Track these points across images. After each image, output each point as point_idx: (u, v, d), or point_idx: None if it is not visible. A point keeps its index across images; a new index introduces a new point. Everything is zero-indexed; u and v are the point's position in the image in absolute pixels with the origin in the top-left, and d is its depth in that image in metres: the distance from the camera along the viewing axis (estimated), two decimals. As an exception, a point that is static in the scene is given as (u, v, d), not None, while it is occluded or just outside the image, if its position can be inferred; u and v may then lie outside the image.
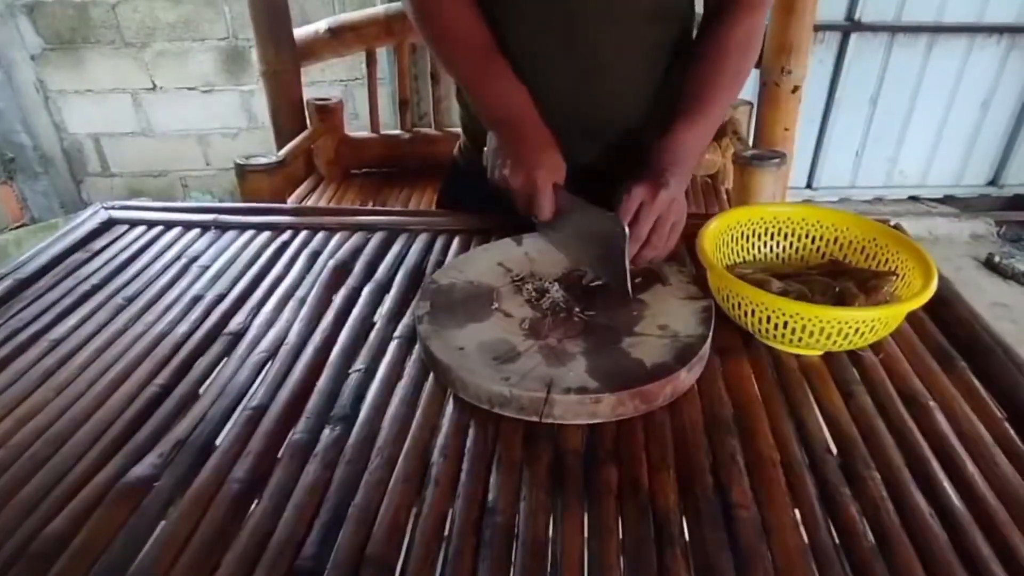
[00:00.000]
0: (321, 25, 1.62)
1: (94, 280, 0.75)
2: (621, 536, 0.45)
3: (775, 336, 0.61)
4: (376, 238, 0.84)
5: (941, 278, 0.72)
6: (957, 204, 3.07)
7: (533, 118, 0.77)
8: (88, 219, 0.89)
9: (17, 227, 2.61)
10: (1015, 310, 2.39)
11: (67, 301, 0.71)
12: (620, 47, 0.80)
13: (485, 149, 0.82)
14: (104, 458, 0.51)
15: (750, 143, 1.58)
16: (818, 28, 2.58)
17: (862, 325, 0.57)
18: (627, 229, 0.64)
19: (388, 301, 0.71)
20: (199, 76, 2.59)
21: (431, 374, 0.60)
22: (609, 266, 0.68)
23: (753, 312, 0.61)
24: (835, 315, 0.57)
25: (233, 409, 0.56)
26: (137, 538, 0.45)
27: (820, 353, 0.63)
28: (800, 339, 0.59)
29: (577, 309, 0.65)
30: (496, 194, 0.77)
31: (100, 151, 2.74)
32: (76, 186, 2.81)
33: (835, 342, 0.59)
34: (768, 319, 0.60)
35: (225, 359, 0.63)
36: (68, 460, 0.51)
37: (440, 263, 0.78)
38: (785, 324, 0.59)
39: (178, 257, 0.80)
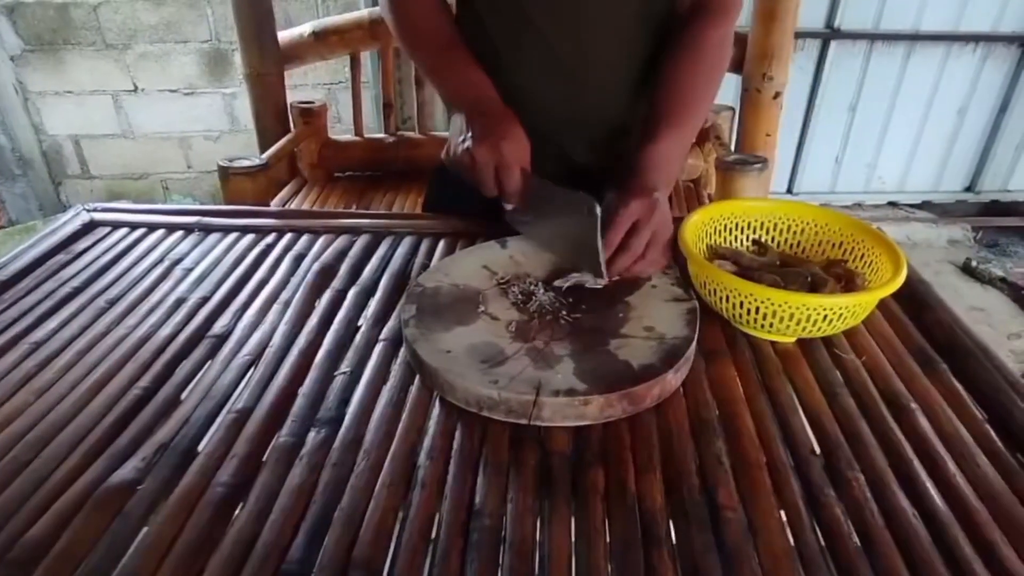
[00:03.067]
0: (305, 28, 1.61)
1: (75, 282, 0.74)
2: (608, 538, 0.45)
3: (748, 322, 0.64)
4: (361, 241, 0.84)
5: (922, 283, 0.74)
6: (935, 210, 3.12)
7: (496, 98, 0.78)
8: (69, 221, 0.87)
9: (-6, 229, 2.57)
10: (992, 314, 2.44)
11: (48, 303, 0.70)
12: (605, 43, 0.81)
13: (448, 135, 0.83)
14: (85, 462, 0.50)
15: (732, 148, 1.60)
16: (799, 35, 2.62)
17: (831, 312, 0.60)
18: (598, 209, 0.65)
19: (373, 304, 0.71)
20: (181, 78, 2.57)
21: (417, 377, 0.60)
22: (583, 247, 0.68)
23: (730, 299, 0.63)
24: (804, 301, 0.59)
25: (217, 412, 0.56)
26: (119, 543, 0.44)
27: (792, 340, 0.65)
28: (771, 324, 0.62)
29: (563, 312, 0.65)
30: (476, 193, 0.76)
31: (80, 153, 2.70)
32: (55, 188, 2.77)
33: (805, 328, 0.61)
34: (750, 308, 0.62)
35: (209, 362, 0.62)
36: (48, 464, 0.50)
37: (425, 266, 0.78)
38: (757, 310, 0.62)
39: (161, 259, 0.80)
